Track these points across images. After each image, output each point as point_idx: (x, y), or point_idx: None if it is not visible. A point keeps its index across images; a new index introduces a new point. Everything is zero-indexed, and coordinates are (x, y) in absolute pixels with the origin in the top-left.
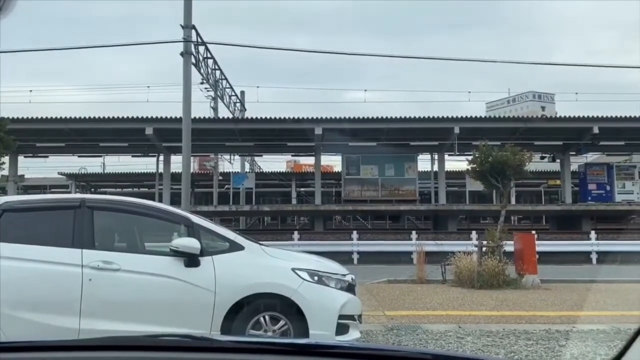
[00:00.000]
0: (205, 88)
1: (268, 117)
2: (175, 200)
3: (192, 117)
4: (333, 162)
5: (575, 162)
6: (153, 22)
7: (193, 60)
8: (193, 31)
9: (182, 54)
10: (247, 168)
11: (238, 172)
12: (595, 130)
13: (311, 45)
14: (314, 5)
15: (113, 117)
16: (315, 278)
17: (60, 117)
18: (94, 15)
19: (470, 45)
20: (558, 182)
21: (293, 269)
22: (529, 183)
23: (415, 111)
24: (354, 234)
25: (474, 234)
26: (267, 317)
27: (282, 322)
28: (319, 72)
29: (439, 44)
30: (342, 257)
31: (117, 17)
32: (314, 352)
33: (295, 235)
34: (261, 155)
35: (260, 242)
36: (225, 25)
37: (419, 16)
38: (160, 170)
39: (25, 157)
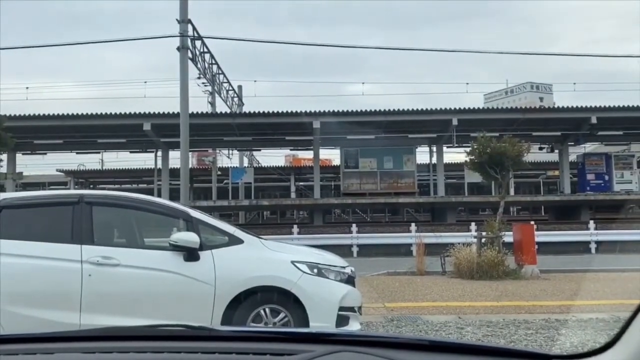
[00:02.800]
0: (203, 83)
1: (266, 112)
2: (174, 195)
3: (190, 112)
4: (332, 155)
5: (574, 153)
6: (150, 16)
7: (190, 55)
8: (189, 25)
9: (178, 49)
10: (245, 163)
11: (237, 166)
12: (594, 120)
13: (310, 37)
14: None
15: (111, 114)
16: (315, 270)
17: (58, 114)
18: (89, 10)
19: (470, 36)
20: (557, 172)
21: (292, 262)
22: (527, 174)
23: (413, 103)
24: (354, 227)
25: (473, 226)
26: (267, 309)
27: (282, 315)
28: (318, 65)
29: (439, 35)
30: (342, 250)
31: (113, 12)
32: (312, 340)
33: (295, 229)
34: (259, 150)
35: (260, 236)
36: (222, 19)
37: (418, 7)
38: (159, 165)
39: (23, 154)
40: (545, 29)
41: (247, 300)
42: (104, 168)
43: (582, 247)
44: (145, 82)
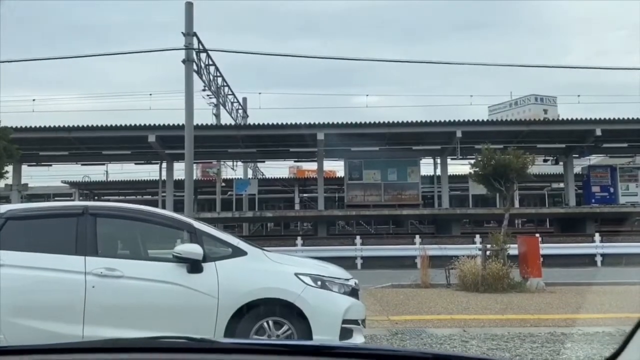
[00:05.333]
0: (208, 95)
1: (270, 123)
2: (178, 207)
3: (195, 124)
4: (336, 167)
5: (579, 165)
6: (157, 28)
7: (195, 67)
8: (195, 38)
9: (184, 62)
10: (249, 174)
11: (241, 178)
12: (598, 132)
13: (317, 49)
14: (321, 9)
15: (116, 125)
16: (319, 283)
17: (63, 126)
18: (96, 22)
19: (477, 47)
20: (562, 184)
21: (296, 274)
22: (532, 186)
23: (419, 115)
24: (358, 239)
25: (477, 238)
26: (270, 322)
27: (285, 327)
28: (323, 77)
29: (445, 47)
30: (346, 262)
31: (119, 24)
32: (315, 353)
33: (299, 240)
34: (264, 162)
35: (264, 248)
36: (228, 32)
37: (424, 19)
38: (163, 177)
39: (28, 165)
40: (551, 41)
41: (250, 313)
42: (108, 179)
43: (587, 260)
44: (151, 94)
